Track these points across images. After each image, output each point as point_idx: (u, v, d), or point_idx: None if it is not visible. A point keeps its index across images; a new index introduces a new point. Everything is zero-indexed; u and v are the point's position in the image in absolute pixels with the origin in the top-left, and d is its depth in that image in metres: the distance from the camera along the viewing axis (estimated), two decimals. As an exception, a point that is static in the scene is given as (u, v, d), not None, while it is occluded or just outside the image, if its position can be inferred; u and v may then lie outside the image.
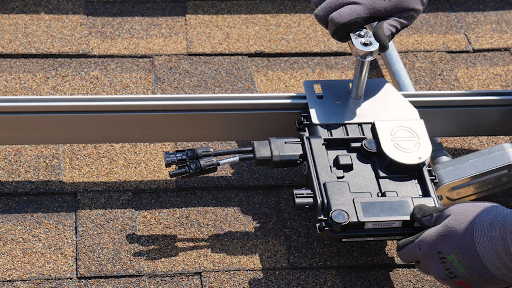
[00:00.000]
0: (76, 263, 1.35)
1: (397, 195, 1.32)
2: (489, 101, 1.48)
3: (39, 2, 1.78)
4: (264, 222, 1.43)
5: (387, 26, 1.37)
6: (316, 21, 1.79)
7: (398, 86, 1.61)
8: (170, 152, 1.36)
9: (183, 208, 1.44)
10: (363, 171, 1.35)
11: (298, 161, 1.37)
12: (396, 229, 1.30)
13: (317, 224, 1.29)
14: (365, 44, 1.36)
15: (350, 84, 1.45)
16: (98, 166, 1.49)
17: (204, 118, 1.44)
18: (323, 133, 1.39)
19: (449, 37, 1.80)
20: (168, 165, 1.36)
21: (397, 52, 1.67)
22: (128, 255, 1.36)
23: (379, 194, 1.33)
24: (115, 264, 1.35)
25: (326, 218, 1.28)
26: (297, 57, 1.74)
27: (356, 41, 1.36)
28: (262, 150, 1.37)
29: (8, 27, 1.73)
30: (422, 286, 1.36)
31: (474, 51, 1.78)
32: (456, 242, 1.20)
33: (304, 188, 1.33)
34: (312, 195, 1.31)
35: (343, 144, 1.38)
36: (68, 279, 1.33)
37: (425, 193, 1.33)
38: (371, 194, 1.32)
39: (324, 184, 1.32)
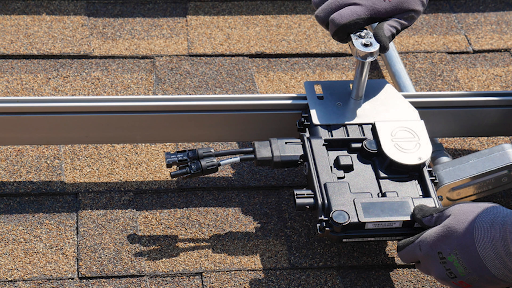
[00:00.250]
0: (77, 263, 1.35)
1: (398, 196, 1.32)
2: (489, 101, 1.48)
3: (40, 3, 1.78)
4: (265, 223, 1.44)
5: (387, 27, 1.37)
6: (316, 22, 1.79)
7: (399, 87, 1.61)
8: (171, 152, 1.36)
9: (184, 208, 1.45)
10: (364, 172, 1.36)
11: (299, 162, 1.37)
12: (397, 230, 1.30)
13: (318, 225, 1.29)
14: (365, 45, 1.36)
15: (351, 85, 1.45)
16: (99, 166, 1.50)
17: (205, 119, 1.44)
18: (324, 134, 1.39)
19: (449, 38, 1.80)
20: (169, 165, 1.36)
21: (397, 53, 1.67)
22: (129, 255, 1.37)
23: (380, 194, 1.33)
24: (116, 264, 1.35)
25: (326, 219, 1.29)
26: (297, 58, 1.74)
27: (357, 42, 1.36)
28: (263, 150, 1.37)
29: (10, 28, 1.73)
30: (423, 286, 1.36)
31: (474, 52, 1.78)
32: (456, 243, 1.20)
33: (304, 189, 1.33)
34: (313, 195, 1.31)
35: (343, 144, 1.39)
36: (70, 279, 1.33)
37: (425, 194, 1.33)
38: (371, 194, 1.33)
39: (325, 185, 1.32)
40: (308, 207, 1.31)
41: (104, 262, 1.35)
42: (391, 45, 1.68)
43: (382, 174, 1.35)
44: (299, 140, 1.39)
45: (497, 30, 1.82)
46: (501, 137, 1.60)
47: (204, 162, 1.35)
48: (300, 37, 1.78)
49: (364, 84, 1.42)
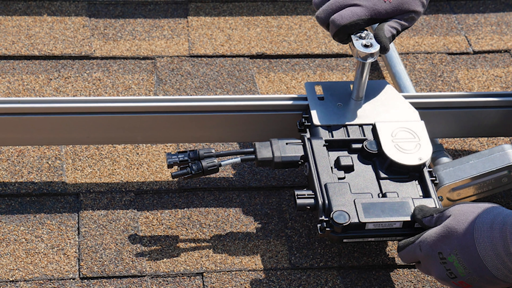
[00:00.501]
0: (79, 264, 1.35)
1: (398, 196, 1.32)
2: (489, 102, 1.48)
3: (42, 4, 1.78)
4: (266, 223, 1.44)
5: (387, 28, 1.37)
6: (317, 23, 1.79)
7: (399, 88, 1.61)
8: (172, 153, 1.37)
9: (185, 208, 1.45)
10: (364, 172, 1.36)
11: (299, 162, 1.37)
12: (397, 230, 1.30)
13: (318, 225, 1.29)
14: (366, 46, 1.36)
15: (351, 86, 1.45)
16: (101, 167, 1.50)
17: (206, 120, 1.44)
18: (324, 134, 1.39)
19: (450, 38, 1.80)
20: (170, 166, 1.36)
21: (397, 54, 1.68)
22: (130, 256, 1.37)
23: (380, 195, 1.33)
24: (118, 265, 1.36)
25: (327, 219, 1.29)
26: (298, 59, 1.74)
27: (357, 43, 1.36)
28: (264, 151, 1.38)
29: (11, 29, 1.73)
30: (423, 286, 1.36)
31: (475, 52, 1.78)
32: (457, 243, 1.21)
33: (305, 189, 1.33)
34: (313, 196, 1.32)
35: (344, 145, 1.39)
36: (71, 280, 1.33)
37: (426, 194, 1.33)
38: (372, 195, 1.33)
39: (325, 185, 1.32)
40: (308, 207, 1.31)
41: (105, 262, 1.36)
42: (392, 46, 1.68)
43: (382, 175, 1.35)
44: (300, 141, 1.39)
45: (497, 31, 1.83)
46: (501, 137, 1.61)
47: (205, 163, 1.35)
48: (300, 38, 1.78)
49: (364, 85, 1.42)
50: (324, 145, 1.37)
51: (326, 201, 1.30)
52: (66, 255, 1.36)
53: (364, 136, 1.40)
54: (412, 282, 1.37)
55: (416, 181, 1.35)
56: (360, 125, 1.41)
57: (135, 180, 1.48)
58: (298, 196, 1.31)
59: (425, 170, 1.35)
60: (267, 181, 1.50)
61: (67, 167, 1.49)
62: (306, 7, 1.85)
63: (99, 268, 1.35)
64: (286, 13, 1.83)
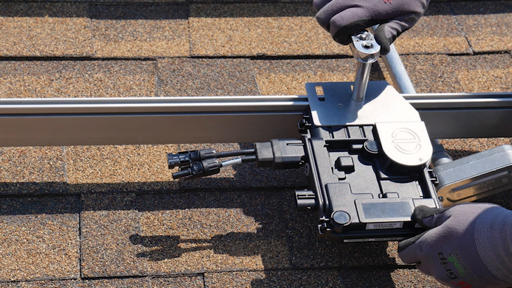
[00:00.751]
0: (80, 264, 1.36)
1: (398, 196, 1.33)
2: (489, 103, 1.48)
3: (43, 5, 1.79)
4: (266, 223, 1.44)
5: (388, 28, 1.38)
6: (317, 24, 1.80)
7: (399, 88, 1.61)
8: (173, 153, 1.37)
9: (186, 209, 1.45)
10: (365, 173, 1.36)
11: (300, 163, 1.38)
12: (397, 230, 1.30)
13: (319, 225, 1.29)
14: (366, 47, 1.36)
15: (352, 86, 1.46)
16: (102, 167, 1.50)
17: (206, 120, 1.45)
18: (325, 135, 1.40)
19: (450, 39, 1.81)
20: (171, 166, 1.36)
21: (398, 55, 1.68)
22: (132, 256, 1.37)
23: (380, 195, 1.33)
24: (119, 265, 1.36)
25: (327, 219, 1.29)
26: (299, 60, 1.74)
27: (358, 44, 1.36)
28: (264, 151, 1.38)
29: (13, 30, 1.73)
30: (423, 286, 1.37)
31: (475, 53, 1.78)
32: (457, 243, 1.21)
33: (306, 190, 1.33)
34: (314, 196, 1.32)
35: (344, 145, 1.39)
36: (72, 280, 1.34)
37: (426, 195, 1.34)
38: (372, 195, 1.33)
39: (326, 186, 1.32)
40: (309, 208, 1.31)
41: (106, 263, 1.36)
42: (392, 46, 1.68)
43: (382, 175, 1.35)
44: (300, 141, 1.39)
45: (497, 32, 1.83)
46: (501, 138, 1.61)
47: (206, 163, 1.36)
48: (301, 38, 1.78)
49: (365, 86, 1.43)
50: (324, 146, 1.38)
51: (327, 202, 1.30)
52: (67, 255, 1.37)
53: (365, 136, 1.40)
54: (413, 282, 1.37)
55: (417, 182, 1.35)
56: (361, 126, 1.41)
57: (136, 181, 1.48)
58: (299, 197, 1.32)
59: (426, 171, 1.36)
60: (268, 181, 1.51)
61: (69, 168, 1.49)
62: (307, 8, 1.85)
63: (100, 268, 1.35)
64: (287, 14, 1.83)
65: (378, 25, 1.39)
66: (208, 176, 1.47)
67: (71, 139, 1.45)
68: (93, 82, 1.65)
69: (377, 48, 1.36)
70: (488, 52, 1.78)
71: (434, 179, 1.36)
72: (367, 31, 1.38)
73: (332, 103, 1.44)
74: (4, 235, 1.38)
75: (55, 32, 1.74)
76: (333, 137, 1.39)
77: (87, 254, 1.37)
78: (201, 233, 1.42)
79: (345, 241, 1.30)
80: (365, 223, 1.28)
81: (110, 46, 1.72)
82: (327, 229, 1.28)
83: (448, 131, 1.51)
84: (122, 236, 1.40)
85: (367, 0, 1.37)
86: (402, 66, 1.65)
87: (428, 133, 1.40)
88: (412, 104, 1.45)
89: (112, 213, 1.43)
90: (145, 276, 1.35)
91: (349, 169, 1.36)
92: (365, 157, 1.38)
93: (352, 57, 1.76)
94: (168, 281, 1.35)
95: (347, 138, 1.39)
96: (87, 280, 1.34)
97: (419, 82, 1.71)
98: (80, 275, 1.34)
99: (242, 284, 1.35)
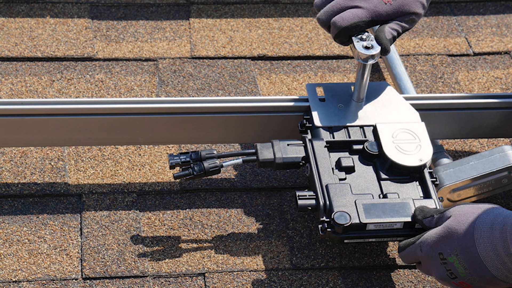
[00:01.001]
0: (81, 264, 1.36)
1: (399, 197, 1.33)
2: (489, 104, 1.48)
3: (44, 6, 1.79)
4: (267, 224, 1.44)
5: (388, 29, 1.38)
6: (318, 25, 1.80)
7: (400, 89, 1.61)
8: (174, 154, 1.37)
9: (187, 209, 1.45)
10: (365, 173, 1.36)
11: (301, 163, 1.38)
12: (398, 231, 1.30)
13: (320, 226, 1.30)
14: (367, 48, 1.36)
15: (352, 87, 1.46)
16: (103, 168, 1.50)
17: (207, 121, 1.45)
18: (325, 136, 1.40)
19: (450, 40, 1.81)
20: (172, 167, 1.36)
21: (398, 56, 1.68)
22: (133, 256, 1.37)
23: (381, 195, 1.33)
24: (120, 265, 1.36)
25: (328, 220, 1.29)
26: (299, 60, 1.75)
27: (358, 45, 1.37)
28: (265, 152, 1.38)
29: (14, 31, 1.74)
30: (423, 286, 1.37)
31: (475, 54, 1.78)
32: (457, 243, 1.21)
33: (306, 190, 1.34)
34: (315, 196, 1.32)
35: (345, 146, 1.39)
36: (73, 280, 1.34)
37: (426, 195, 1.34)
38: (372, 195, 1.33)
39: (326, 186, 1.32)
40: (310, 208, 1.31)
41: (107, 263, 1.36)
42: (392, 47, 1.68)
43: (383, 176, 1.35)
44: (301, 142, 1.40)
45: (497, 32, 1.83)
46: (501, 138, 1.61)
47: (206, 164, 1.36)
48: (302, 39, 1.78)
49: (365, 86, 1.43)
50: (325, 146, 1.38)
51: (327, 202, 1.30)
52: (68, 256, 1.37)
53: (365, 137, 1.40)
54: (413, 283, 1.37)
55: (417, 182, 1.35)
56: (361, 126, 1.41)
57: (137, 181, 1.49)
58: (300, 197, 1.32)
59: (426, 171, 1.36)
60: (269, 182, 1.51)
61: (70, 168, 1.50)
62: (307, 9, 1.85)
63: (101, 268, 1.35)
64: (288, 15, 1.83)
65: (378, 26, 1.40)
66: (209, 177, 1.47)
67: (73, 140, 1.46)
68: (94, 83, 1.65)
69: (377, 49, 1.36)
70: (488, 53, 1.78)
71: (435, 179, 1.36)
72: (368, 32, 1.38)
73: (332, 103, 1.44)
74: (5, 235, 1.39)
75: (56, 33, 1.74)
76: (333, 137, 1.40)
77: (88, 254, 1.37)
78: (202, 234, 1.42)
79: (345, 241, 1.30)
80: (366, 224, 1.28)
81: (111, 47, 1.73)
82: (328, 230, 1.29)
83: (448, 132, 1.51)
84: (123, 236, 1.40)
85: (367, 1, 1.38)
86: (403, 67, 1.65)
87: (428, 134, 1.40)
88: (413, 104, 1.45)
89: (113, 213, 1.43)
90: (146, 276, 1.35)
91: (350, 170, 1.36)
92: (366, 158, 1.38)
93: (352, 58, 1.76)
94: (169, 281, 1.35)
95: (348, 139, 1.39)
96: (88, 280, 1.34)
97: (419, 83, 1.71)
98: (81, 275, 1.34)
99: (243, 284, 1.35)
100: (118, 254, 1.37)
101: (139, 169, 1.50)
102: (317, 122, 1.41)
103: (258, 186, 1.50)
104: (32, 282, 1.33)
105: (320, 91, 1.47)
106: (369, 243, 1.41)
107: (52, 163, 1.50)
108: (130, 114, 1.43)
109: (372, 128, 1.41)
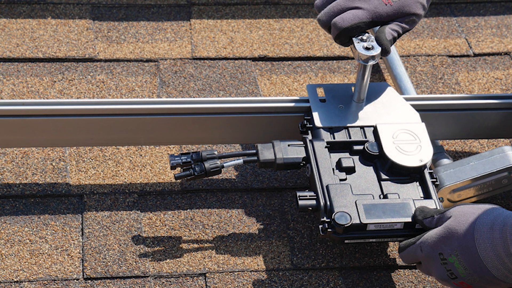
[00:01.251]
0: (83, 264, 1.36)
1: (399, 197, 1.33)
2: (489, 104, 1.49)
3: (46, 7, 1.79)
4: (268, 224, 1.44)
5: (389, 30, 1.38)
6: (319, 26, 1.80)
7: (400, 90, 1.62)
8: (175, 154, 1.37)
9: (188, 210, 1.46)
10: (365, 174, 1.36)
11: (301, 164, 1.38)
12: (398, 231, 1.30)
13: (320, 226, 1.30)
14: (367, 49, 1.37)
15: (353, 88, 1.46)
16: (104, 168, 1.51)
17: (208, 121, 1.45)
18: (326, 136, 1.40)
19: (450, 41, 1.81)
20: (173, 167, 1.37)
21: (398, 56, 1.68)
22: (134, 256, 1.38)
23: (381, 196, 1.34)
24: (121, 265, 1.36)
25: (329, 220, 1.29)
26: (300, 61, 1.75)
27: (359, 46, 1.37)
28: (266, 152, 1.38)
29: (16, 32, 1.74)
30: (424, 287, 1.37)
31: (475, 55, 1.79)
32: (457, 244, 1.21)
33: (307, 190, 1.34)
34: (315, 197, 1.32)
35: (345, 147, 1.39)
36: (75, 280, 1.34)
37: (427, 195, 1.34)
38: (373, 196, 1.33)
39: (327, 186, 1.33)
40: (310, 208, 1.32)
41: (109, 263, 1.36)
42: (393, 48, 1.69)
43: (383, 176, 1.36)
44: (302, 143, 1.40)
45: (497, 33, 1.83)
46: (501, 139, 1.61)
47: (207, 164, 1.36)
48: (302, 40, 1.79)
49: (366, 87, 1.43)
50: (325, 147, 1.38)
51: (328, 202, 1.31)
52: (70, 256, 1.37)
53: (366, 138, 1.40)
54: (413, 283, 1.37)
55: (417, 183, 1.36)
56: (362, 127, 1.42)
57: (138, 182, 1.49)
58: (300, 197, 1.32)
59: (426, 172, 1.36)
60: (269, 182, 1.51)
61: (71, 169, 1.50)
62: (308, 10, 1.85)
63: (102, 268, 1.35)
64: (288, 16, 1.84)
65: (379, 27, 1.40)
66: (210, 177, 1.47)
67: (74, 140, 1.46)
68: (96, 84, 1.66)
69: (378, 50, 1.37)
70: (488, 54, 1.79)
71: (435, 180, 1.36)
72: (368, 33, 1.39)
73: (333, 104, 1.44)
74: (7, 236, 1.39)
75: (57, 33, 1.74)
76: (334, 138, 1.40)
77: (90, 254, 1.37)
78: (203, 234, 1.42)
79: (346, 241, 1.30)
80: (366, 224, 1.29)
81: (113, 47, 1.73)
82: (328, 230, 1.29)
83: (449, 132, 1.51)
84: (124, 236, 1.40)
85: (368, 2, 1.38)
86: (403, 68, 1.65)
87: (428, 134, 1.40)
88: (413, 105, 1.45)
89: (114, 213, 1.44)
90: (147, 276, 1.35)
91: (350, 170, 1.36)
92: (366, 158, 1.38)
93: (353, 58, 1.76)
94: (170, 281, 1.35)
95: (348, 139, 1.40)
96: (89, 281, 1.34)
97: (420, 84, 1.71)
98: (83, 275, 1.35)
99: (243, 285, 1.35)
100: (119, 255, 1.37)
101: (140, 170, 1.51)
102: (317, 122, 1.41)
103: (259, 187, 1.50)
104: (34, 282, 1.33)
105: (320, 92, 1.47)
106: (369, 243, 1.41)
107: (54, 164, 1.50)
108: (131, 114, 1.43)
109: (372, 128, 1.41)
